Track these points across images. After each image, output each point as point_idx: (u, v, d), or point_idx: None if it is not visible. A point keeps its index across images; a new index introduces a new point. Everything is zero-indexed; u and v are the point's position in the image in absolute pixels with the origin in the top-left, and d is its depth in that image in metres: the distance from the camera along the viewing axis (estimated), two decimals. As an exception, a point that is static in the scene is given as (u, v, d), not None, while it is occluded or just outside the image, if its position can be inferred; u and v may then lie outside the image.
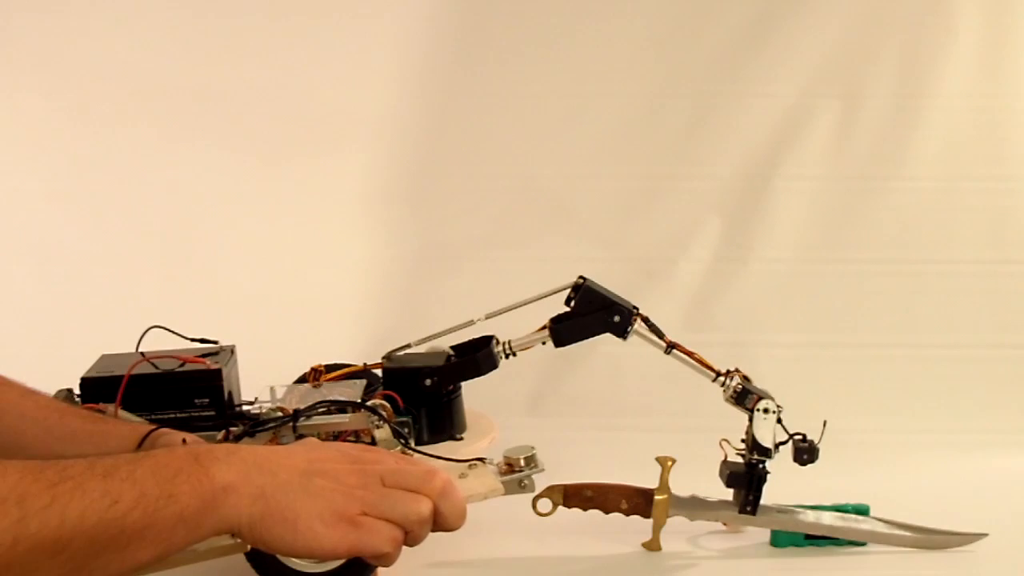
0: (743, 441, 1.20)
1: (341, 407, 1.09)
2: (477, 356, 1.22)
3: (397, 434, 1.04)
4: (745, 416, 1.20)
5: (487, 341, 1.24)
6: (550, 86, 1.78)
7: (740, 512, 1.21)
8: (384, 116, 1.80)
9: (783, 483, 1.29)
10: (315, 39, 1.78)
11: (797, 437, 1.19)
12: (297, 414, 1.08)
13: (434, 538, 1.16)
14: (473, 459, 0.96)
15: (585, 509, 1.27)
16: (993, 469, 1.50)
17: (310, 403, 1.11)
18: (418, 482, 0.74)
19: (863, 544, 1.25)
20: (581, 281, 1.20)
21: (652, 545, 1.24)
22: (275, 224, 1.79)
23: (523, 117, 1.79)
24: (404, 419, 1.20)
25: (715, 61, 1.76)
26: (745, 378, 1.20)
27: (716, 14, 1.75)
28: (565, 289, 1.21)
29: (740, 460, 1.21)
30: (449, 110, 1.80)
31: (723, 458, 1.22)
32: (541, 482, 1.24)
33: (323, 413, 1.08)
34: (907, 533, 1.24)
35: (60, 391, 1.18)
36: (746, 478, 1.20)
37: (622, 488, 1.26)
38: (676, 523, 1.24)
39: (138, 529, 0.65)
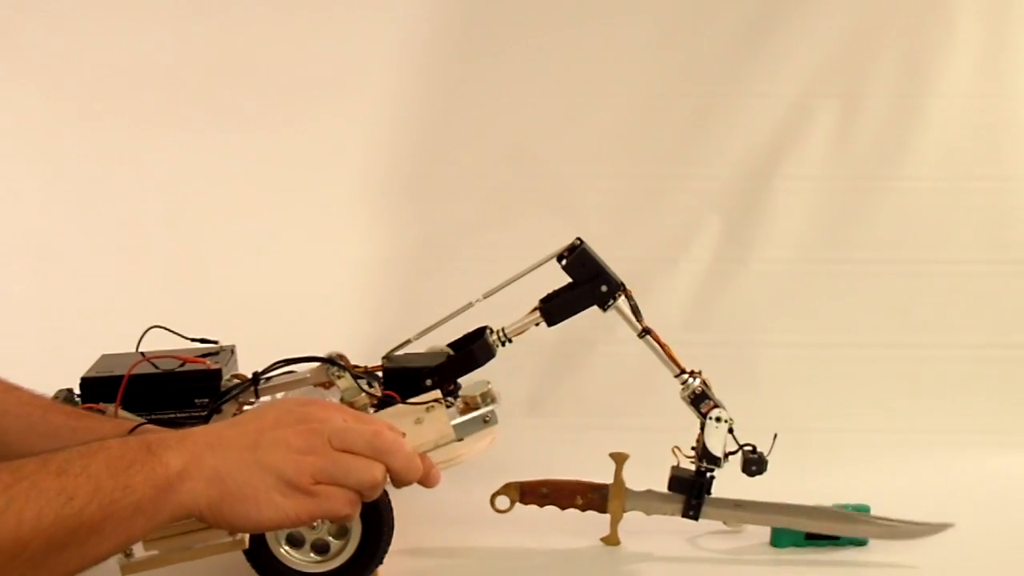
0: (693, 448, 1.20)
1: (299, 361, 1.10)
2: (473, 348, 1.22)
3: (357, 379, 1.05)
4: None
5: (481, 332, 1.24)
6: (550, 85, 1.78)
7: (683, 516, 1.22)
8: (383, 116, 1.80)
9: (784, 483, 1.29)
10: (313, 39, 1.78)
11: (747, 448, 1.20)
12: (256, 377, 1.09)
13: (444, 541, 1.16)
14: (430, 401, 0.96)
15: (541, 506, 1.28)
16: (993, 469, 1.50)
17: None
18: (365, 444, 0.74)
19: (863, 544, 1.25)
20: (578, 242, 1.20)
21: (610, 540, 1.25)
22: (275, 224, 1.79)
23: (523, 117, 1.79)
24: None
25: (715, 61, 1.76)
26: (705, 383, 1.20)
27: (716, 14, 1.75)
28: (560, 253, 1.20)
29: (691, 467, 1.21)
30: (448, 110, 1.80)
31: (675, 464, 1.22)
32: (507, 476, 1.26)
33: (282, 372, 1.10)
34: (879, 524, 1.24)
35: (60, 391, 1.18)
36: (689, 484, 1.20)
37: (577, 484, 1.27)
38: (674, 523, 1.24)
39: (96, 523, 0.66)
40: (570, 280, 1.20)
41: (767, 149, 1.76)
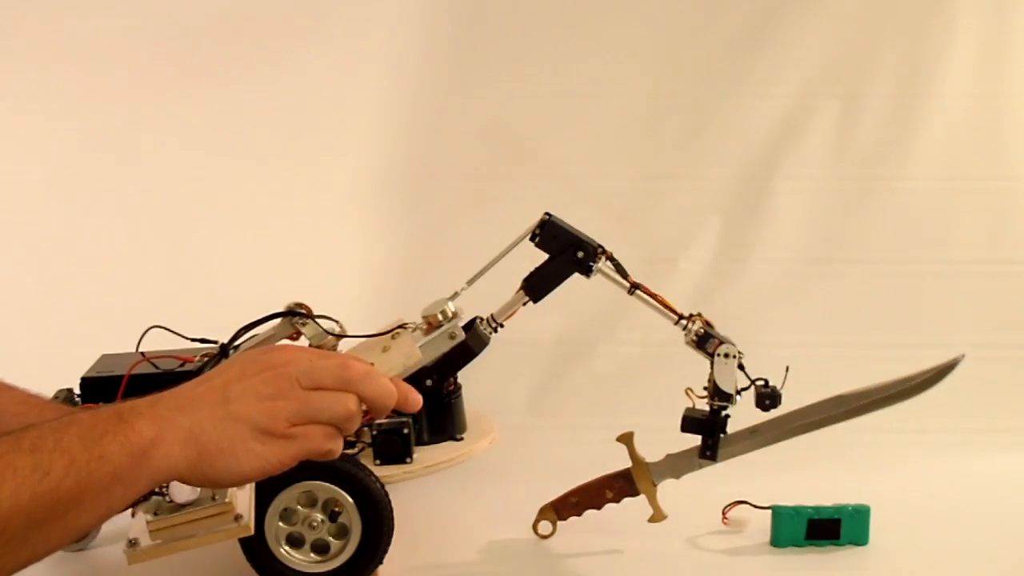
0: (705, 388, 1.19)
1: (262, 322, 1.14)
2: (466, 340, 1.21)
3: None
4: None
5: (471, 323, 1.24)
6: (549, 86, 1.78)
7: (700, 458, 1.20)
8: (381, 116, 1.80)
9: (783, 483, 1.29)
10: (311, 39, 1.78)
11: (759, 382, 1.18)
12: (224, 349, 1.09)
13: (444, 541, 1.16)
14: (395, 328, 0.94)
15: (580, 514, 1.28)
16: (993, 469, 1.50)
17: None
18: (334, 378, 0.74)
19: (863, 544, 1.25)
20: (547, 217, 1.20)
21: (656, 517, 1.24)
22: (275, 223, 1.79)
23: (522, 117, 1.79)
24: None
25: (715, 61, 1.76)
26: (708, 323, 1.19)
27: (716, 14, 1.75)
28: (532, 232, 1.19)
29: (706, 408, 1.20)
30: (446, 110, 1.80)
31: (690, 406, 1.21)
32: (536, 503, 1.26)
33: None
34: (887, 392, 1.23)
35: (60, 391, 1.18)
36: (702, 423, 1.19)
37: (601, 480, 1.27)
38: (673, 521, 1.24)
39: (74, 496, 0.65)
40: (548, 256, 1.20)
41: (767, 149, 1.76)
